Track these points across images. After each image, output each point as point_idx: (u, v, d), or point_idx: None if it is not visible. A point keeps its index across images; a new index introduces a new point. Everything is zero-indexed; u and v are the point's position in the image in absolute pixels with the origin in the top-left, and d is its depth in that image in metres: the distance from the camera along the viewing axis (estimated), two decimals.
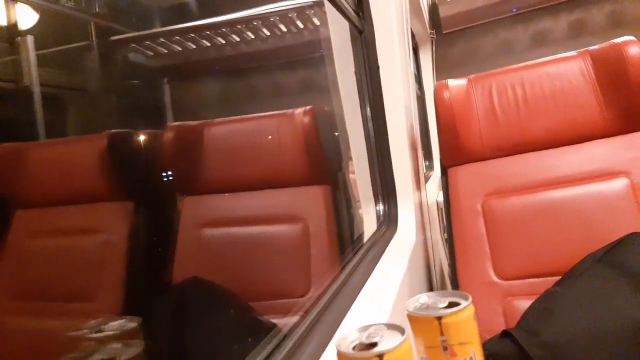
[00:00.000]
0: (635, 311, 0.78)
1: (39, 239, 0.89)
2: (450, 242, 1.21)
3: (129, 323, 0.57)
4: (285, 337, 0.64)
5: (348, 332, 0.44)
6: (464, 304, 0.46)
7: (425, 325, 0.46)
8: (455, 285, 1.16)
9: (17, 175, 0.92)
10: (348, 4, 1.09)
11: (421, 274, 1.19)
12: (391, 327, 0.43)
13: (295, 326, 0.65)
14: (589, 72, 1.18)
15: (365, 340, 0.42)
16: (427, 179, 2.45)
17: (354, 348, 0.42)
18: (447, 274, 1.35)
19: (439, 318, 0.45)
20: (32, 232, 0.90)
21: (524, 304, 0.96)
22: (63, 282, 0.83)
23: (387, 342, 0.41)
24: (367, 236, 1.17)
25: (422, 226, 1.32)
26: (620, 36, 1.14)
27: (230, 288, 1.10)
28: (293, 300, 1.16)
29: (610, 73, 1.14)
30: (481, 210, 1.17)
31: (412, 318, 0.48)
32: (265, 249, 1.23)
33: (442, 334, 0.45)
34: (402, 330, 0.42)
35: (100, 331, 0.58)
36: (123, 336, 0.57)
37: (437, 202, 1.88)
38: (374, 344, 0.41)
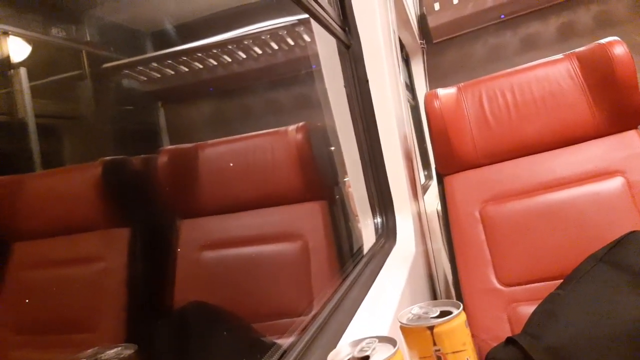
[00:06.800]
0: (638, 310, 0.78)
1: (36, 271, 0.89)
2: (450, 251, 1.20)
3: (125, 350, 0.57)
4: (284, 353, 0.63)
5: (340, 347, 0.44)
6: (455, 312, 0.46)
7: (418, 335, 0.46)
8: (459, 294, 1.15)
9: (14, 208, 0.92)
10: (333, 20, 1.11)
11: (423, 285, 1.18)
12: (383, 339, 0.43)
13: (293, 344, 0.64)
14: (577, 74, 1.18)
15: (357, 354, 0.42)
16: (426, 188, 2.44)
17: None
18: (451, 283, 1.34)
19: (431, 328, 0.45)
20: (29, 265, 0.90)
21: (529, 309, 0.95)
22: (62, 313, 0.83)
23: (378, 355, 0.40)
24: (366, 249, 1.16)
25: (422, 236, 1.31)
26: (609, 36, 1.15)
27: (232, 310, 1.09)
28: (296, 319, 1.15)
29: (598, 74, 1.14)
30: (479, 217, 1.17)
31: (405, 329, 0.47)
32: (266, 269, 1.22)
33: (434, 343, 0.44)
34: (393, 343, 0.42)
35: None
36: None
37: (437, 211, 1.87)
38: (366, 358, 0.41)
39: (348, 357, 0.42)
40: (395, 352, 0.39)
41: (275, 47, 1.92)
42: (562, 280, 0.96)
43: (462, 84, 1.30)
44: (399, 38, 2.37)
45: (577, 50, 1.22)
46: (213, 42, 1.71)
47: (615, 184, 1.09)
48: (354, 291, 0.85)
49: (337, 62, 1.23)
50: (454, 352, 0.44)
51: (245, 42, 1.84)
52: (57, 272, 0.91)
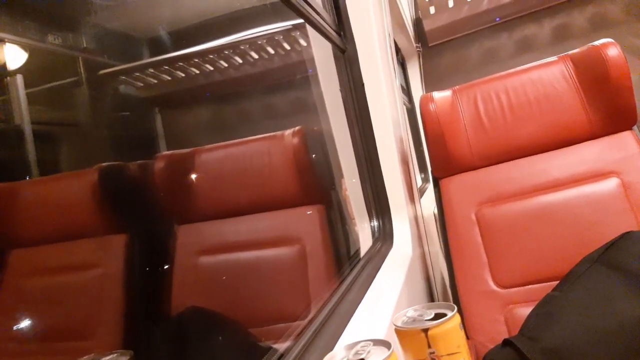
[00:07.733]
0: (634, 310, 0.78)
1: (33, 278, 0.89)
2: (447, 253, 1.20)
3: (121, 357, 0.57)
4: (280, 357, 0.63)
5: (335, 351, 0.44)
6: (449, 314, 0.46)
7: (413, 338, 0.46)
8: (456, 296, 1.15)
9: (10, 215, 0.92)
10: (328, 24, 1.11)
11: (420, 288, 1.18)
12: (378, 342, 0.43)
13: (290, 348, 0.64)
14: (572, 76, 1.19)
15: (352, 357, 0.42)
16: (423, 192, 2.44)
17: None
18: (448, 285, 1.34)
19: (425, 330, 0.45)
20: (26, 272, 0.90)
21: (526, 311, 0.96)
22: (59, 321, 0.82)
23: (373, 358, 0.41)
24: (363, 253, 1.16)
25: (419, 239, 1.32)
26: (603, 38, 1.15)
27: (230, 315, 1.09)
28: (293, 323, 1.15)
29: (592, 75, 1.15)
30: (475, 219, 1.17)
31: (399, 332, 0.48)
32: (263, 273, 1.22)
33: (429, 346, 0.45)
34: (388, 345, 0.42)
35: None
36: None
37: (434, 214, 1.87)
38: None
39: None
40: (390, 354, 0.39)
41: (272, 52, 1.93)
42: (558, 282, 0.96)
43: (458, 86, 1.31)
44: (395, 41, 2.38)
45: (571, 52, 1.23)
46: (209, 48, 1.72)
47: (610, 184, 1.09)
48: (351, 295, 0.85)
49: (333, 66, 1.24)
50: (448, 354, 0.44)
51: (242, 47, 1.85)
52: (54, 279, 0.91)
